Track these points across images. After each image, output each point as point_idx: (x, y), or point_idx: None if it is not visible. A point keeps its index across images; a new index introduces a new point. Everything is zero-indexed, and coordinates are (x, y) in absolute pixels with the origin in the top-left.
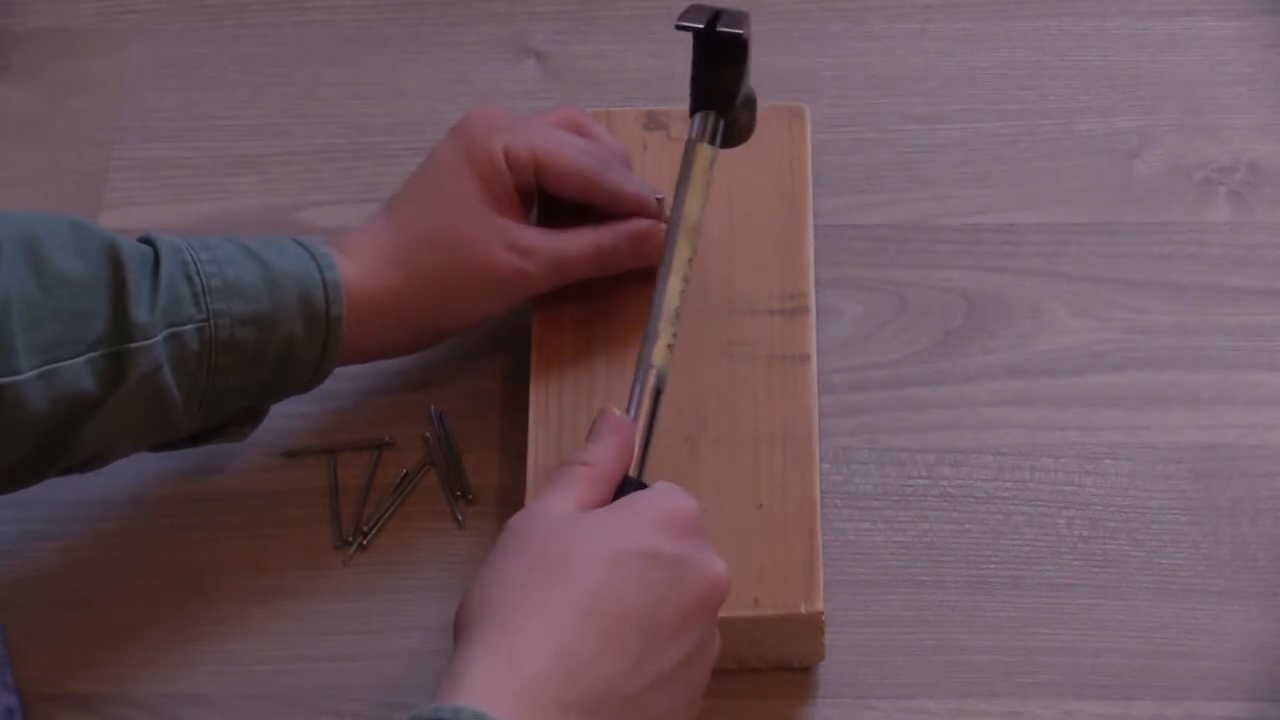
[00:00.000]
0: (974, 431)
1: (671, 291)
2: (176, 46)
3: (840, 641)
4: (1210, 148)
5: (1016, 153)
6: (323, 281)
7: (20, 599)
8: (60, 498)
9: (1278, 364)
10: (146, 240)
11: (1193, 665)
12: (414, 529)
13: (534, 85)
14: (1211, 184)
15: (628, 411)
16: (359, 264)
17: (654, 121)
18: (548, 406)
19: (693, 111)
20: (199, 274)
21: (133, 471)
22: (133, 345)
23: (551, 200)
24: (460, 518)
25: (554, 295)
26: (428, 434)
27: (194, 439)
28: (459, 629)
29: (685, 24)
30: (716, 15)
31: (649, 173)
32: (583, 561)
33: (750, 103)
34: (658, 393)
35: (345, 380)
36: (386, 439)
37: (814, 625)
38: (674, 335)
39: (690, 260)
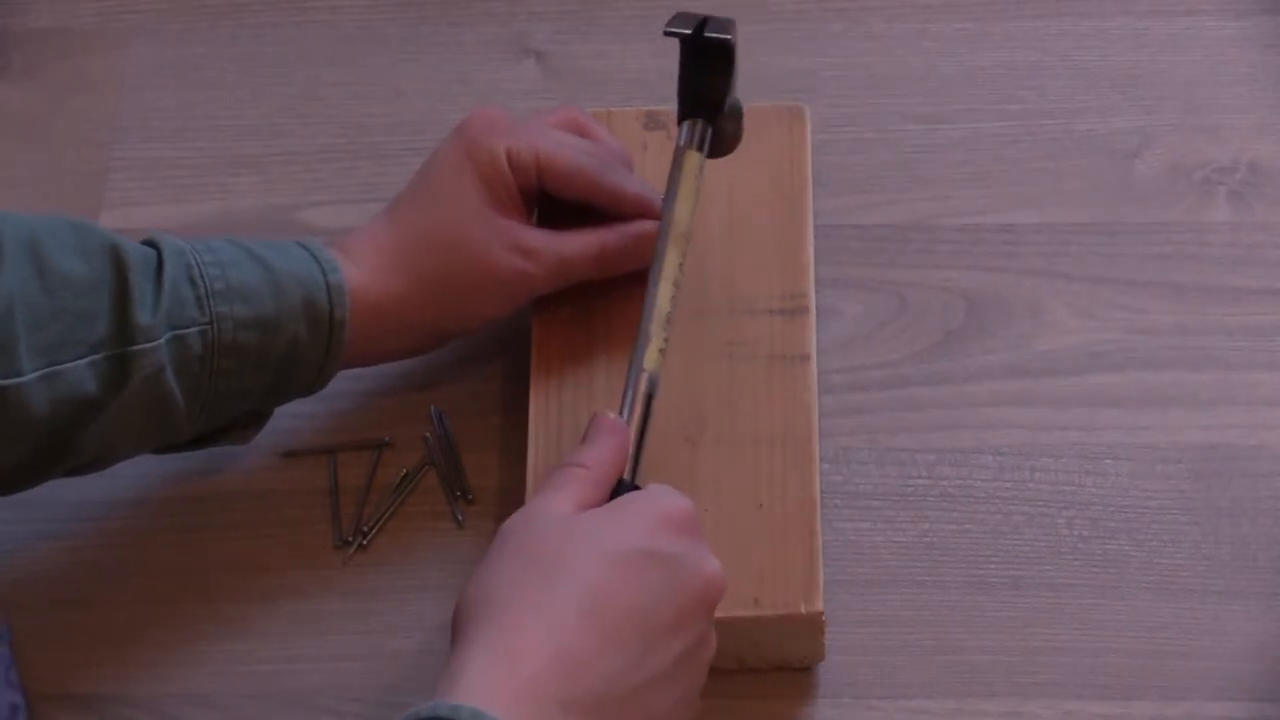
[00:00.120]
0: (974, 431)
1: (662, 296)
2: (176, 46)
3: (840, 641)
4: (1210, 148)
5: (1016, 153)
6: (326, 285)
7: (21, 599)
8: (62, 498)
9: (1278, 364)
10: (149, 242)
11: (1193, 665)
12: (414, 529)
13: (534, 85)
14: (1211, 184)
15: (621, 415)
16: (362, 267)
17: (654, 121)
18: (548, 407)
19: (680, 119)
20: (202, 277)
21: (134, 472)
22: (135, 348)
23: (552, 201)
24: (460, 518)
25: (554, 296)
26: (428, 434)
27: (196, 441)
28: (456, 629)
29: (673, 30)
30: (704, 22)
31: (649, 173)
32: (580, 561)
33: (737, 113)
34: (650, 397)
35: (346, 380)
36: (386, 439)
37: (814, 625)
38: (665, 340)
39: (680, 265)
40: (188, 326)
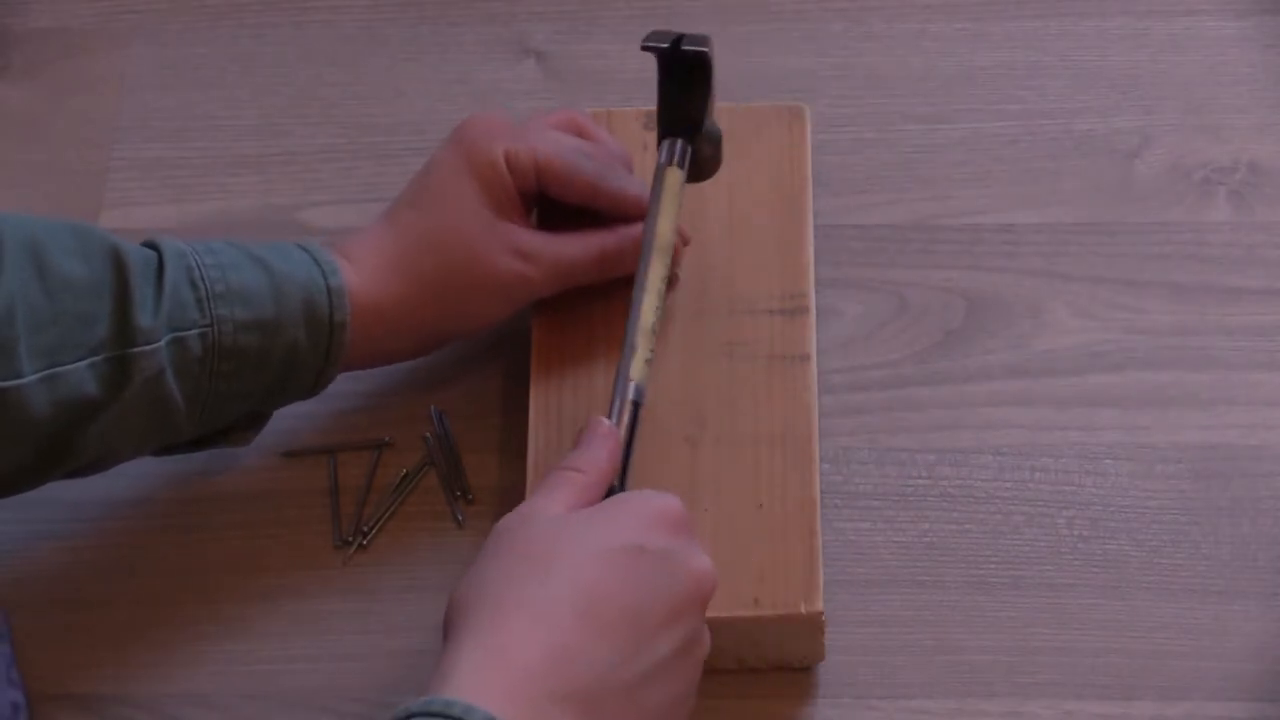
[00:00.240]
0: (974, 431)
1: (647, 308)
2: (176, 46)
3: (840, 641)
4: (1210, 148)
5: (1016, 153)
6: (326, 287)
7: (21, 599)
8: (61, 498)
9: (1278, 364)
10: (150, 244)
11: (1193, 665)
12: (414, 529)
13: (534, 85)
14: (1211, 184)
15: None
16: (361, 270)
17: (654, 121)
18: (548, 407)
19: (660, 138)
20: (203, 279)
21: (134, 472)
22: (135, 350)
23: (552, 203)
24: (460, 518)
25: (554, 296)
26: (428, 434)
27: (196, 443)
28: (448, 627)
29: (649, 45)
30: (680, 38)
31: (649, 173)
32: (571, 558)
33: (716, 138)
34: (636, 405)
35: (346, 380)
36: (386, 439)
37: (814, 625)
38: (651, 350)
39: (664, 278)
40: (188, 329)
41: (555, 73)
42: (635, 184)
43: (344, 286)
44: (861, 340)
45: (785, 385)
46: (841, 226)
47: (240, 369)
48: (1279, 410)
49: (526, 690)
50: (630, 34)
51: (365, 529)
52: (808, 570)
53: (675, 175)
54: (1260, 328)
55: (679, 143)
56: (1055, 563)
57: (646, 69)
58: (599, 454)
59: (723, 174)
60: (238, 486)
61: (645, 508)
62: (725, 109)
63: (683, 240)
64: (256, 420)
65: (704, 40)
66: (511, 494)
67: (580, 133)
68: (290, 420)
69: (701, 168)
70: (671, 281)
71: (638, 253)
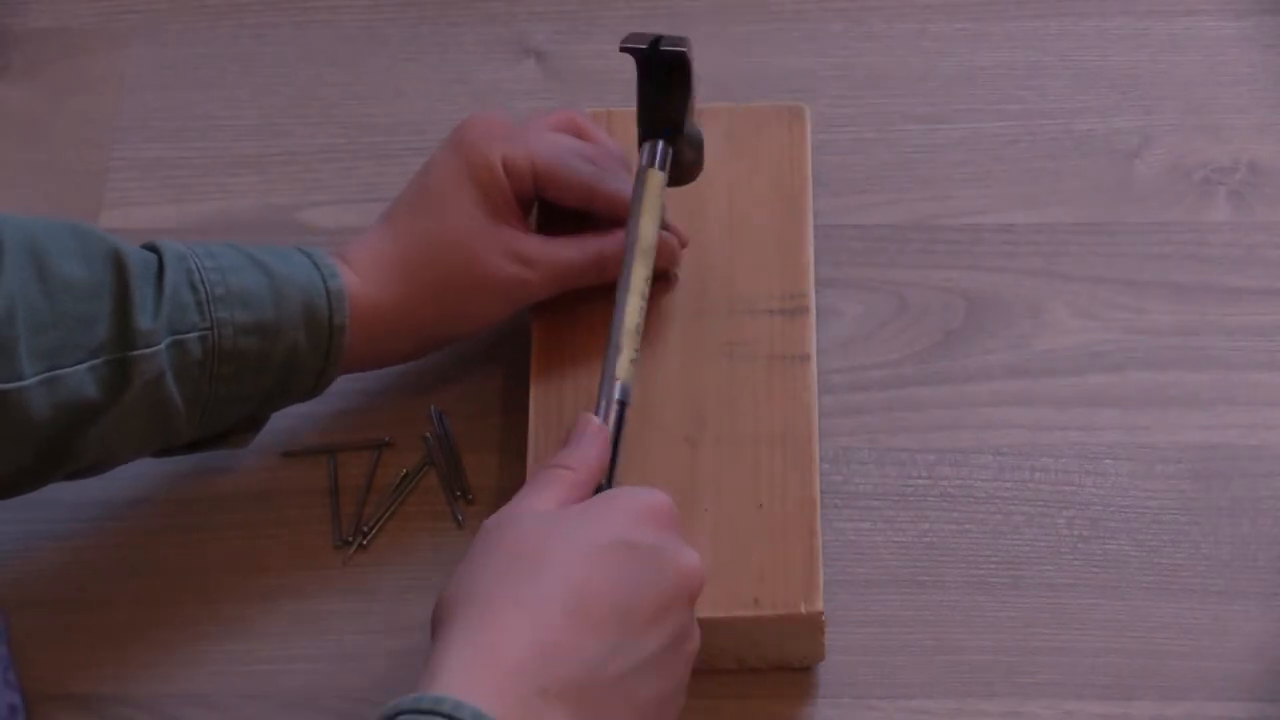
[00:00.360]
0: (974, 431)
1: (631, 309)
2: (176, 46)
3: (840, 641)
4: (1210, 148)
5: (1016, 153)
6: (326, 291)
7: (21, 599)
8: (61, 498)
9: (1278, 364)
10: (150, 247)
11: (1193, 665)
12: (414, 529)
13: (534, 85)
14: (1211, 184)
15: None
16: (361, 273)
17: None
18: (548, 407)
19: (641, 140)
20: (203, 282)
21: (133, 472)
22: (136, 352)
23: (551, 206)
24: (460, 518)
25: (554, 296)
26: (428, 434)
27: (195, 445)
28: (436, 625)
29: (628, 46)
30: (658, 39)
31: None
32: (559, 554)
33: (697, 141)
34: (623, 405)
35: (346, 380)
36: (386, 439)
37: (814, 625)
38: (636, 350)
39: (647, 279)
40: (188, 332)
41: (555, 73)
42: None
43: (344, 289)
44: (861, 340)
45: (785, 385)
46: (841, 226)
47: (240, 372)
48: (1279, 410)
49: (516, 686)
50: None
51: (365, 529)
52: (808, 570)
53: (656, 177)
54: (1260, 328)
55: (660, 145)
56: (1055, 563)
57: None
58: (588, 452)
59: (723, 174)
60: (238, 486)
61: (633, 504)
62: (725, 109)
63: (682, 241)
64: (254, 423)
65: (682, 41)
66: (511, 494)
67: (579, 133)
68: (290, 420)
69: (683, 171)
70: (671, 281)
71: None
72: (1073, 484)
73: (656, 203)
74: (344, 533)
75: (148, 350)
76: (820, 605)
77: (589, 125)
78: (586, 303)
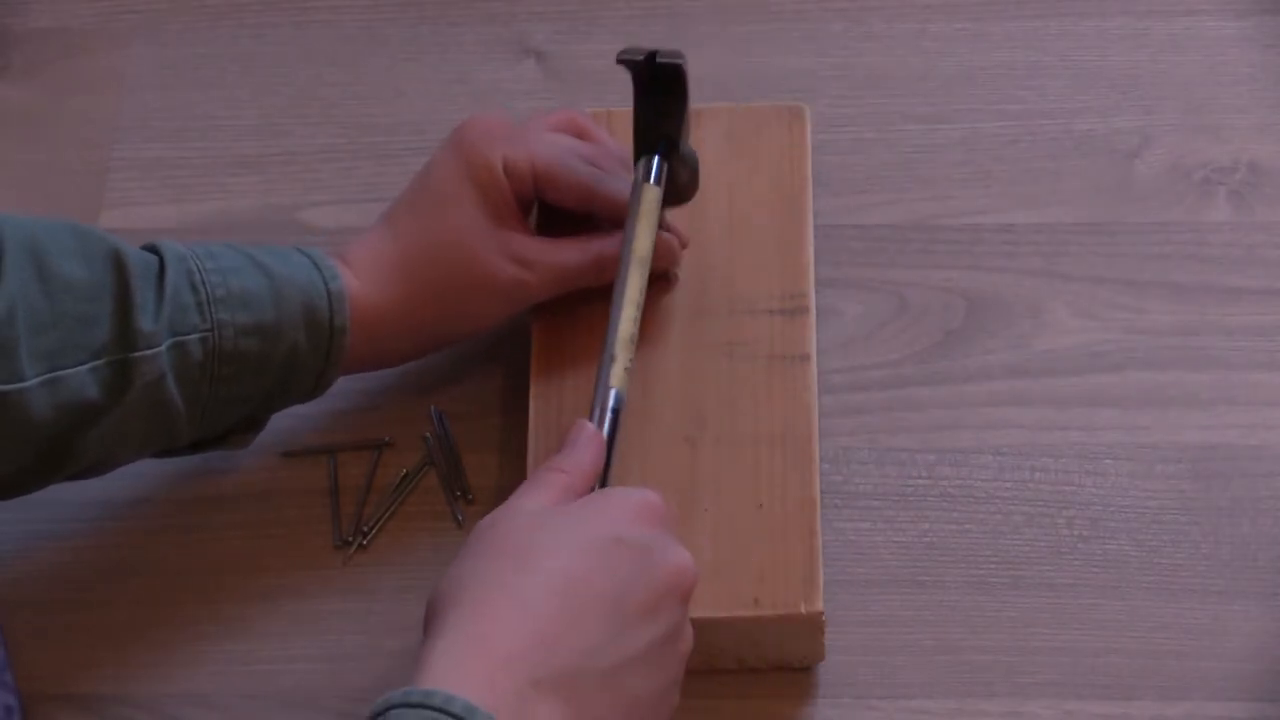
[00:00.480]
0: (974, 431)
1: (626, 319)
2: (176, 46)
3: (840, 641)
4: (1210, 148)
5: (1016, 153)
6: (327, 292)
7: (21, 599)
8: (61, 498)
9: (1278, 364)
10: (151, 248)
11: (1193, 665)
12: (414, 529)
13: (534, 85)
14: (1211, 184)
15: None
16: (361, 274)
17: None
18: (548, 406)
19: (637, 156)
20: (204, 283)
21: (133, 472)
22: (137, 354)
23: (552, 207)
24: (460, 518)
25: (554, 297)
26: (428, 434)
27: (195, 446)
28: (428, 620)
29: (625, 58)
30: (654, 53)
31: None
32: (550, 548)
33: (692, 162)
34: (617, 412)
35: (346, 380)
36: (386, 439)
37: (814, 625)
38: (631, 359)
39: (642, 290)
40: (189, 333)
41: (555, 73)
42: None
43: (344, 291)
44: (861, 340)
45: (785, 385)
46: (841, 226)
47: (240, 373)
48: (1279, 410)
49: (508, 677)
50: (630, 34)
51: (365, 529)
52: (808, 570)
53: (653, 192)
54: (1260, 328)
55: (655, 160)
56: (1055, 563)
57: None
58: (583, 456)
59: (723, 174)
60: (238, 486)
61: (626, 502)
62: (725, 109)
63: (682, 241)
64: (254, 424)
65: (678, 55)
66: (511, 494)
67: (580, 133)
68: (290, 420)
69: (678, 192)
70: (671, 281)
71: None
72: (1073, 484)
73: (651, 216)
74: (344, 533)
75: (149, 352)
76: (820, 605)
77: (589, 125)
78: (586, 304)
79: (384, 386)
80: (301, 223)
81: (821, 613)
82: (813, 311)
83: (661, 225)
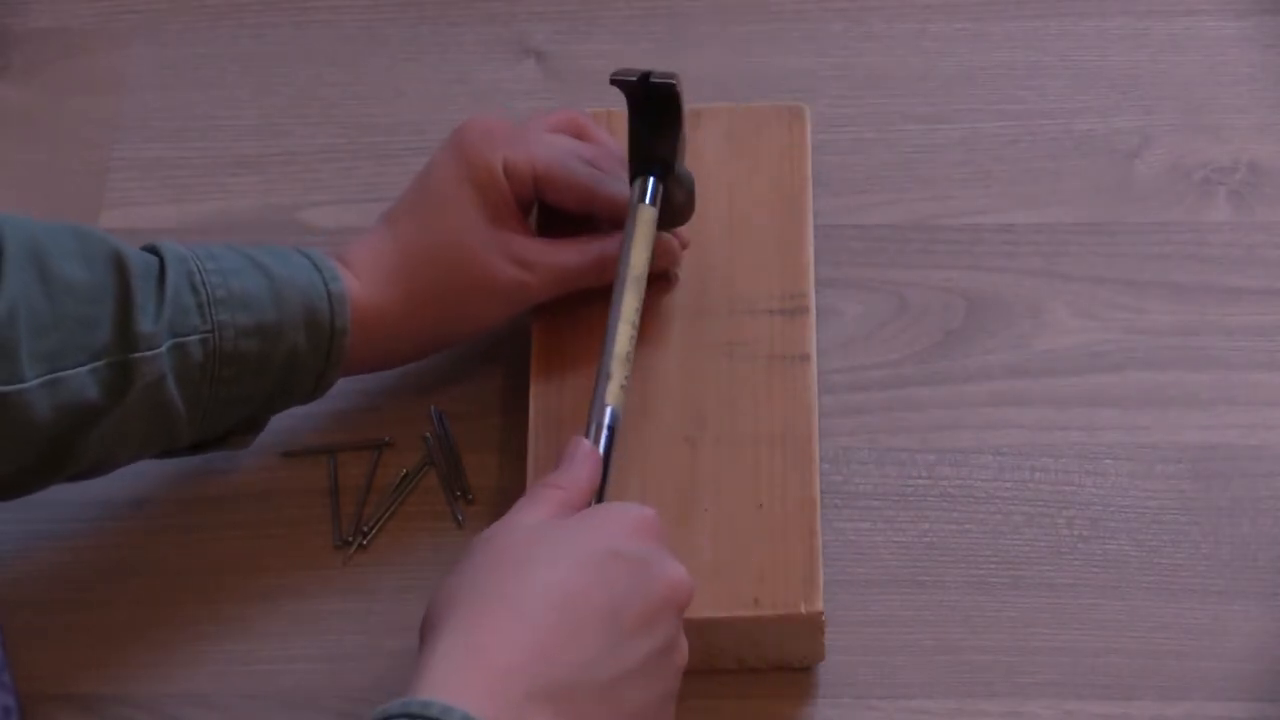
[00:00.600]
0: (974, 431)
1: (621, 337)
2: (176, 46)
3: (840, 641)
4: (1210, 148)
5: (1016, 153)
6: (328, 293)
7: (20, 599)
8: (61, 498)
9: (1278, 364)
10: (151, 249)
11: (1193, 665)
12: (414, 529)
13: (534, 85)
14: (1211, 184)
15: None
16: (361, 276)
17: None
18: (548, 406)
19: (632, 177)
20: (204, 284)
21: (133, 472)
22: (137, 355)
23: (552, 208)
24: (460, 518)
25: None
26: (428, 434)
27: (195, 447)
28: (425, 631)
29: (619, 79)
30: (648, 73)
31: None
32: (549, 561)
33: (688, 183)
34: (613, 429)
35: (346, 380)
36: (386, 439)
37: (814, 625)
38: (626, 377)
39: (638, 309)
40: (189, 334)
41: (555, 73)
42: None
43: (344, 292)
44: (861, 340)
45: (785, 385)
46: (841, 226)
47: (241, 374)
48: (1279, 410)
49: (506, 688)
50: (630, 34)
51: (365, 529)
52: (808, 570)
53: (648, 212)
54: (1260, 328)
55: (651, 181)
56: (1055, 563)
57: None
58: (580, 473)
59: (723, 174)
60: (238, 486)
61: (623, 517)
62: (725, 109)
63: (683, 241)
64: (254, 425)
65: (672, 75)
66: (511, 494)
67: (580, 134)
68: (290, 420)
69: (674, 214)
70: (671, 281)
71: None
72: (1073, 484)
73: (648, 235)
74: (344, 533)
75: (149, 353)
76: (820, 605)
77: (589, 125)
78: (586, 304)
79: (384, 386)
80: (301, 223)
81: (821, 613)
82: (813, 311)
83: None
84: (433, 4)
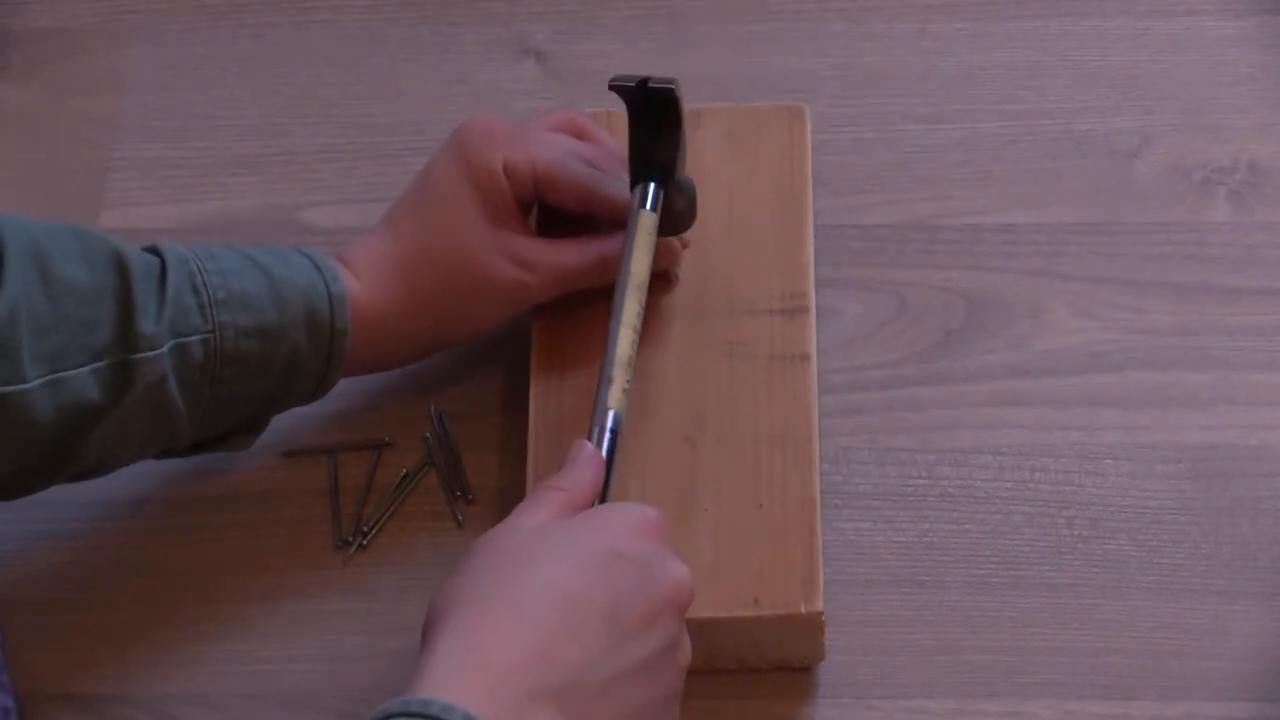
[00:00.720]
0: (974, 431)
1: (623, 342)
2: (176, 46)
3: (840, 641)
4: (1210, 148)
5: (1016, 153)
6: (328, 294)
7: (20, 599)
8: (61, 498)
9: (1278, 364)
10: (152, 249)
11: (1193, 665)
12: (414, 529)
13: (534, 85)
14: (1211, 184)
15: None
16: (362, 276)
17: None
18: (548, 406)
19: (633, 184)
20: (205, 285)
21: (133, 472)
22: (138, 356)
23: (552, 208)
24: (460, 518)
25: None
26: (428, 434)
27: (195, 448)
28: (427, 630)
29: (618, 84)
30: (646, 79)
31: None
32: (551, 561)
33: (689, 190)
34: (615, 433)
35: (346, 381)
36: (386, 439)
37: (814, 625)
38: (628, 380)
39: (639, 314)
40: (190, 335)
41: (555, 73)
42: None
43: (345, 293)
44: (861, 340)
45: (785, 385)
46: (841, 226)
47: (242, 375)
48: (1279, 410)
49: (506, 688)
50: (630, 34)
51: (365, 529)
52: (808, 570)
53: (649, 218)
54: (1260, 328)
55: (651, 187)
56: (1055, 563)
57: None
58: (583, 475)
59: (723, 174)
60: (238, 486)
61: (625, 517)
62: (725, 109)
63: (683, 241)
64: (256, 425)
65: (670, 81)
66: (511, 494)
67: (580, 134)
68: (290, 420)
69: (675, 220)
70: (671, 281)
71: None
72: (1073, 484)
73: (649, 241)
74: (344, 533)
75: (150, 353)
76: (820, 605)
77: (589, 125)
78: (586, 305)
79: (384, 387)
80: (301, 223)
81: (821, 613)
82: (813, 311)
83: None
84: (433, 4)
